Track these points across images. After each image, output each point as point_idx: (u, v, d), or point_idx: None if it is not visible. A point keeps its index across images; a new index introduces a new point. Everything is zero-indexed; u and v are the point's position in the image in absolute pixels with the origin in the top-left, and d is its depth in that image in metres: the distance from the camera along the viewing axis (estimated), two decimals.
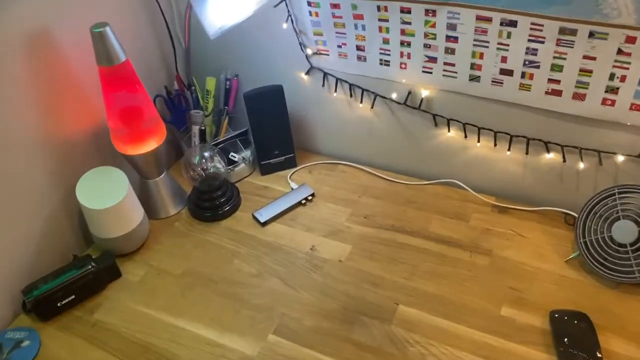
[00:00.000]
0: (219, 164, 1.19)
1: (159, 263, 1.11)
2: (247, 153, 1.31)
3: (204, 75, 1.28)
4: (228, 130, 1.32)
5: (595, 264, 0.97)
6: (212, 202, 1.18)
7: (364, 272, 1.05)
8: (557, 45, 0.92)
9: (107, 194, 1.05)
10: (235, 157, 1.27)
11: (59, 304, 1.01)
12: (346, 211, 1.18)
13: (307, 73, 1.21)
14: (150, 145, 1.11)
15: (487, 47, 0.98)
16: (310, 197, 1.21)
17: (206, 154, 1.17)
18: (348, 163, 1.30)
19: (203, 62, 1.32)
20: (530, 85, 0.99)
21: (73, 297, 1.02)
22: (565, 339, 0.88)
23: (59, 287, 1.00)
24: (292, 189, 1.24)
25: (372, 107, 1.18)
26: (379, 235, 1.12)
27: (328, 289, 1.02)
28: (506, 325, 0.93)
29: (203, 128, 1.26)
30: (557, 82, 0.96)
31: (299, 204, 1.20)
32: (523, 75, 0.98)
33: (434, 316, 0.96)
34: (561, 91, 0.97)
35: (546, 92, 0.99)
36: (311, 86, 1.24)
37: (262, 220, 1.16)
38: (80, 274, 1.02)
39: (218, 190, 1.18)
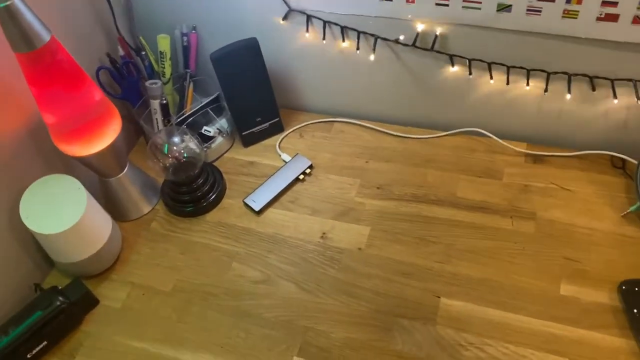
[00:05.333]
0: (192, 145, 0.96)
1: (142, 279, 0.91)
2: (222, 123, 1.08)
3: (154, 34, 1.01)
4: (195, 99, 1.08)
5: None
6: (192, 194, 0.97)
7: (390, 260, 0.88)
8: None
9: (61, 212, 0.83)
10: (210, 132, 1.04)
11: (28, 356, 0.82)
12: (354, 182, 0.99)
13: (285, 18, 0.97)
14: (105, 139, 0.87)
15: None
16: (308, 170, 1.01)
17: (176, 139, 0.94)
18: (345, 120, 1.09)
19: (149, 18, 1.05)
20: (578, 11, 0.78)
21: (45, 343, 0.83)
22: None
23: (24, 335, 0.80)
24: (285, 162, 1.03)
25: (373, 52, 0.95)
26: (400, 209, 0.94)
27: (352, 288, 0.86)
28: (570, 307, 0.79)
29: (164, 101, 1.01)
30: (614, 4, 0.76)
31: (297, 180, 1.01)
32: None
33: (484, 307, 0.81)
34: (618, 15, 0.77)
35: (598, 18, 0.78)
36: (291, 33, 0.99)
37: (256, 209, 0.97)
38: (48, 315, 0.82)
39: (198, 178, 0.97)
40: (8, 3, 0.69)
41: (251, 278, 0.89)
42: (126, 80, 1.03)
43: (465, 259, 0.86)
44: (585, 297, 0.80)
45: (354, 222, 0.94)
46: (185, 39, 1.03)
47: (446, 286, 0.84)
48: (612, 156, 0.95)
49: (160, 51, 1.02)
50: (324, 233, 0.93)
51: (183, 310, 0.87)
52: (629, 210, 0.87)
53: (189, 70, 1.05)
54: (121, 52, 1.02)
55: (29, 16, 0.71)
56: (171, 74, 1.05)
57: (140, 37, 1.02)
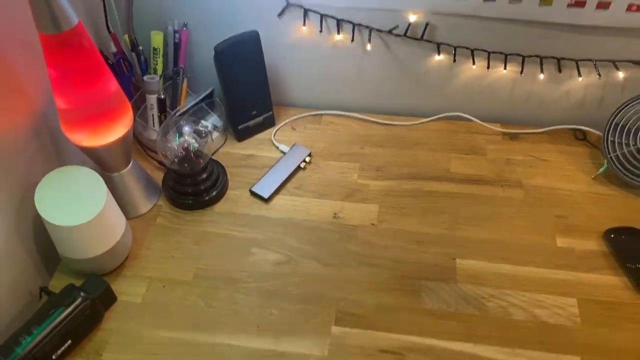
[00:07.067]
0: (190, 138, 0.97)
1: (159, 272, 0.90)
2: (213, 119, 1.09)
3: (147, 30, 1.02)
4: (188, 94, 1.09)
5: (630, 175, 0.96)
6: (197, 186, 0.97)
7: (403, 231, 0.94)
8: None
9: (80, 203, 0.80)
10: (208, 126, 1.05)
11: (53, 357, 0.77)
12: (354, 167, 1.05)
13: (282, 13, 1.01)
14: (116, 132, 0.86)
15: None
16: (308, 159, 1.05)
17: (186, 129, 0.94)
18: (333, 112, 1.15)
19: (142, 14, 1.04)
20: None
21: (69, 342, 0.78)
22: (629, 256, 0.87)
23: (49, 334, 0.76)
24: (284, 152, 1.07)
25: (369, 42, 1.02)
26: (401, 186, 1.01)
27: (373, 259, 0.90)
28: (568, 256, 0.90)
29: (162, 96, 1.01)
30: None
31: (298, 168, 1.04)
32: None
33: (496, 263, 0.89)
34: (584, 2, 0.91)
35: (568, 5, 0.91)
36: (287, 27, 1.04)
37: (265, 196, 0.99)
38: (72, 311, 0.78)
39: (203, 172, 0.97)
40: None
41: (273, 260, 0.91)
42: (119, 77, 1.01)
43: (470, 224, 0.95)
44: (578, 247, 0.91)
45: (361, 201, 0.99)
46: (176, 35, 1.04)
47: (459, 249, 0.91)
48: (575, 129, 1.09)
49: (153, 47, 1.02)
50: (335, 213, 0.97)
51: (210, 297, 0.86)
52: (598, 173, 1.01)
53: (182, 67, 1.05)
54: (113, 49, 1.01)
55: None
56: (163, 71, 1.05)
57: (135, 34, 1.02)
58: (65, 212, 0.79)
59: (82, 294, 0.80)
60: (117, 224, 0.86)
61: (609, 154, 0.98)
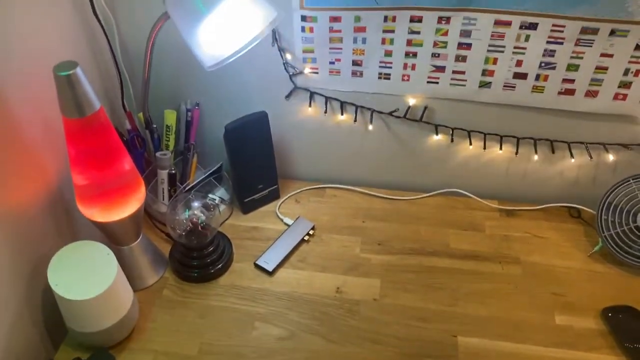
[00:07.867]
0: (199, 212, 1.00)
1: (164, 346, 0.91)
2: (221, 192, 1.13)
3: (161, 108, 1.07)
4: (198, 168, 1.13)
5: (624, 254, 0.99)
6: (203, 259, 1.00)
7: (405, 307, 0.96)
8: (576, 45, 0.91)
9: (91, 278, 0.83)
10: (215, 200, 1.09)
11: None
12: (356, 240, 1.08)
13: (289, 95, 1.07)
14: (129, 207, 0.89)
15: (502, 52, 0.94)
16: (311, 232, 1.08)
17: (195, 204, 0.98)
18: (336, 185, 1.19)
19: (156, 93, 1.10)
20: (544, 87, 0.97)
21: None
22: (627, 336, 0.89)
23: None
24: (288, 225, 1.10)
25: (370, 124, 1.08)
26: (403, 262, 1.04)
27: (376, 336, 0.92)
28: (566, 334, 0.91)
29: (173, 172, 1.05)
30: (571, 81, 0.96)
31: (302, 241, 1.07)
32: (537, 77, 0.96)
33: (496, 341, 0.90)
34: (574, 90, 0.97)
35: (559, 93, 0.97)
36: (294, 108, 1.10)
37: (270, 269, 1.01)
38: None
39: (210, 245, 1.00)
40: (70, 72, 0.73)
41: (276, 335, 0.92)
42: (132, 153, 1.06)
43: (470, 301, 0.96)
44: (576, 325, 0.93)
45: (363, 276, 1.01)
46: (189, 114, 1.09)
47: (460, 326, 0.93)
48: (569, 207, 1.13)
49: (166, 125, 1.07)
50: (338, 287, 0.99)
51: None
52: (593, 251, 1.04)
53: (193, 143, 1.10)
54: (128, 126, 1.06)
55: (85, 85, 0.75)
56: (174, 147, 1.10)
57: (149, 113, 1.07)
58: (77, 286, 0.81)
59: None
60: (125, 297, 0.88)
61: (603, 232, 1.02)
